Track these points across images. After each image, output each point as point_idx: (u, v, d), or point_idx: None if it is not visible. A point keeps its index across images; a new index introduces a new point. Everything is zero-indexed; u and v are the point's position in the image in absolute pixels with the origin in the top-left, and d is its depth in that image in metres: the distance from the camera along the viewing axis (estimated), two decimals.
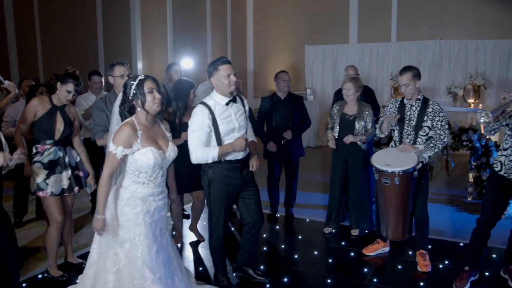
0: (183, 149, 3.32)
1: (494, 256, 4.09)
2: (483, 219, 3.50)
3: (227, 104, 3.26)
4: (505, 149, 3.34)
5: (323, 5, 10.36)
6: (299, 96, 5.25)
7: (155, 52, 10.04)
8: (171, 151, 2.85)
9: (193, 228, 4.60)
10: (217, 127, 3.21)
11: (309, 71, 10.43)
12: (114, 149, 2.62)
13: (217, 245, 3.49)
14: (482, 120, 3.22)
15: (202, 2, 10.38)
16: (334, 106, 4.73)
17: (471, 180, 5.77)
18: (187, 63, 9.15)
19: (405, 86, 3.74)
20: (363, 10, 10.03)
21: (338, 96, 5.01)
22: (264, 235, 4.69)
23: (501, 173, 3.34)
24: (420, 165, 3.77)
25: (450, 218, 5.21)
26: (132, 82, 2.70)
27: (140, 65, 9.75)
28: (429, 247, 4.13)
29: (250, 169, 3.45)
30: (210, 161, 3.19)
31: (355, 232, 4.70)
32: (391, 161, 3.67)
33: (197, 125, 3.18)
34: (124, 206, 2.71)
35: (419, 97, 3.82)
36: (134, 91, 2.68)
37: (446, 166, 7.00)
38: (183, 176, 4.17)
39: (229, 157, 3.29)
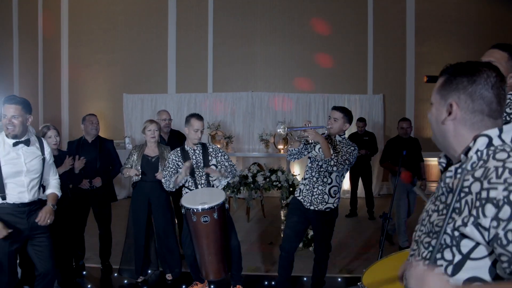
0: None
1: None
2: (286, 244, 3.74)
3: (14, 145, 3.05)
4: (305, 179, 3.75)
5: (140, 55, 10.35)
6: (109, 139, 5.02)
7: None
8: None
9: None
10: None
11: (127, 120, 10.16)
12: None
13: None
14: (279, 130, 3.55)
15: (9, 40, 9.33)
16: (134, 147, 4.61)
17: (283, 218, 6.15)
18: None
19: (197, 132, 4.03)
20: (181, 62, 10.32)
21: None
22: None
23: (299, 198, 3.73)
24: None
25: (263, 256, 5.41)
26: None
27: None
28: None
29: (36, 220, 3.10)
30: None
31: (169, 276, 4.56)
32: (204, 199, 3.63)
33: None
34: None
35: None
36: None
37: (262, 207, 7.40)
38: None
39: (13, 200, 3.04)
